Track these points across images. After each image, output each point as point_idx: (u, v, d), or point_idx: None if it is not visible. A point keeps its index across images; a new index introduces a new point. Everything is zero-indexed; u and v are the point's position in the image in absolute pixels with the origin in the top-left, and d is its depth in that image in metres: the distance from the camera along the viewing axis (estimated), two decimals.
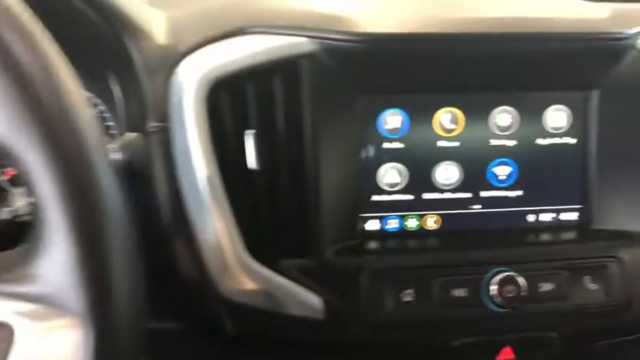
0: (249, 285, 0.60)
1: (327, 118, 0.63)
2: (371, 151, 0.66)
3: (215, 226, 0.60)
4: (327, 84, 0.62)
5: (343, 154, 0.64)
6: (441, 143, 0.67)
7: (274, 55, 0.61)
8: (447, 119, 0.66)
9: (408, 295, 0.61)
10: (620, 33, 0.65)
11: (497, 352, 0.64)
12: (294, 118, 0.62)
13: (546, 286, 0.63)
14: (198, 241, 0.60)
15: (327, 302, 0.60)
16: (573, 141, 0.68)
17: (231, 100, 0.61)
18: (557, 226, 0.69)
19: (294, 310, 0.61)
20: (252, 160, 0.61)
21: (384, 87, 0.65)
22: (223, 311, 0.61)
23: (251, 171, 0.61)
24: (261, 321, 0.61)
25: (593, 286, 0.64)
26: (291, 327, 0.61)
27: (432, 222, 0.68)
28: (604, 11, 0.68)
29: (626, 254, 0.64)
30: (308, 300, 0.60)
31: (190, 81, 0.61)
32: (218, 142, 0.61)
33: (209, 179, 0.60)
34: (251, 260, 0.60)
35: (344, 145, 0.64)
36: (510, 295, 0.61)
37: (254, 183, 0.62)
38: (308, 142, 0.62)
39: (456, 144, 0.67)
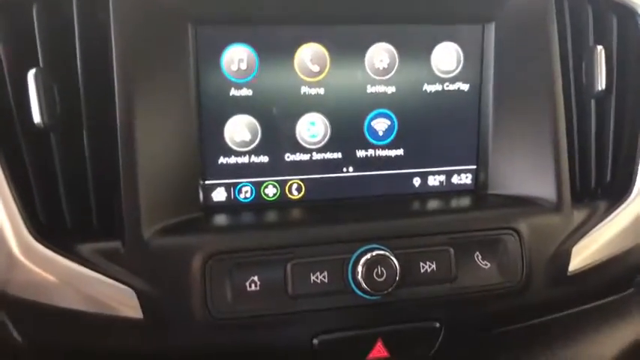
0: (40, 278, 0.46)
1: (149, 56, 0.48)
2: (213, 99, 0.52)
3: None
4: (146, 10, 0.48)
5: (175, 105, 0.50)
6: (303, 90, 0.53)
7: None
8: (308, 58, 0.52)
9: (253, 284, 0.48)
10: None
11: (368, 349, 0.51)
12: (100, 55, 0.47)
13: (427, 266, 0.51)
14: None
15: (142, 296, 0.46)
16: (465, 87, 0.56)
17: (11, 29, 0.47)
18: (449, 192, 0.57)
19: (104, 309, 0.47)
20: (36, 111, 0.45)
21: (225, 16, 0.50)
22: (6, 313, 0.46)
23: (38, 127, 0.46)
24: (60, 324, 0.47)
25: (485, 265, 0.52)
26: (102, 331, 0.47)
27: (295, 189, 0.55)
28: None
29: (524, 225, 0.53)
30: (117, 294, 0.46)
31: None
32: None
33: None
34: (40, 246, 0.46)
35: (175, 92, 0.50)
36: (381, 279, 0.48)
37: (43, 143, 0.47)
38: (119, 87, 0.47)
39: (321, 91, 0.53)
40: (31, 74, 0.45)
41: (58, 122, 0.47)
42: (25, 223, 0.46)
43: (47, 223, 0.47)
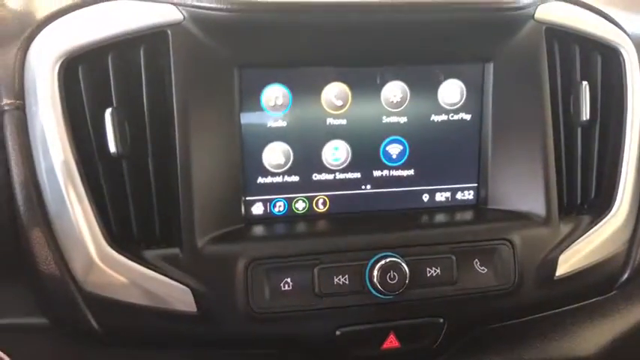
0: (113, 278, 0.56)
1: (201, 94, 0.57)
2: (254, 130, 0.61)
3: (73, 215, 0.55)
4: (199, 57, 0.57)
5: (222, 135, 0.59)
6: (329, 121, 0.62)
7: (138, 24, 0.56)
8: (333, 95, 0.62)
9: (287, 284, 0.58)
10: (517, 2, 0.61)
11: (382, 340, 0.61)
12: (162, 95, 0.57)
13: (433, 271, 0.60)
14: (56, 232, 0.56)
15: (196, 294, 0.56)
16: (468, 117, 0.65)
17: (91, 75, 0.56)
18: (454, 206, 0.66)
19: (165, 304, 0.57)
20: (112, 143, 0.55)
21: (264, 60, 0.59)
22: (86, 306, 0.56)
23: (113, 156, 0.56)
24: (129, 316, 0.57)
25: (482, 270, 0.61)
26: (162, 322, 0.57)
27: (320, 204, 0.64)
28: None
29: (517, 236, 0.62)
30: (176, 292, 0.56)
31: (45, 53, 0.55)
32: (76, 123, 0.55)
33: (65, 164, 0.54)
34: (113, 252, 0.55)
35: (222, 124, 0.59)
36: (393, 281, 0.57)
37: (117, 168, 0.57)
38: (178, 121, 0.56)
39: (343, 121, 0.62)
40: (107, 113, 0.55)
41: (129, 151, 0.56)
42: (102, 234, 0.55)
43: (119, 234, 0.57)
